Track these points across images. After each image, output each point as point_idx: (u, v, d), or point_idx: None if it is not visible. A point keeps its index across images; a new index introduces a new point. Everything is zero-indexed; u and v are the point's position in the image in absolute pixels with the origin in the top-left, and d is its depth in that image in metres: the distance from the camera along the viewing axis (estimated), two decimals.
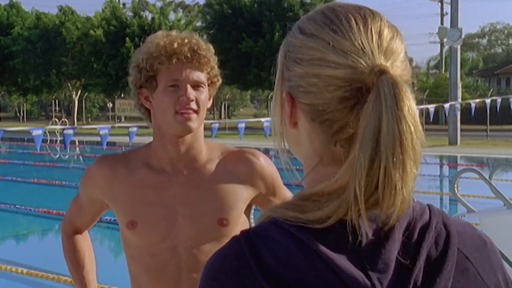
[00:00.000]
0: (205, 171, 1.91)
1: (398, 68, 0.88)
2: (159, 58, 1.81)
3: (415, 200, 0.92)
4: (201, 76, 1.86)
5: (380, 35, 0.89)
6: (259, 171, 1.94)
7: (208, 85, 1.90)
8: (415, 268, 0.84)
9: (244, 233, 0.86)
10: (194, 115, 1.84)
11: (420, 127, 0.86)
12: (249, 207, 1.98)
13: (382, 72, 0.85)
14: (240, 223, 1.93)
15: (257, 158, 1.96)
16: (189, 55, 1.82)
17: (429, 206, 0.93)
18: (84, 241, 2.17)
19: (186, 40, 1.84)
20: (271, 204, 1.94)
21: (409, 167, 0.83)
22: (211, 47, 1.91)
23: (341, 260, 0.82)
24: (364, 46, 0.87)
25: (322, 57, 0.88)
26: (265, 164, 1.97)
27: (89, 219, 2.13)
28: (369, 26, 0.89)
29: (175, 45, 1.82)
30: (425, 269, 0.85)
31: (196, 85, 1.85)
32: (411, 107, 0.84)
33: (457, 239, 0.89)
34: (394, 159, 0.82)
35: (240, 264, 0.83)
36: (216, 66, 1.90)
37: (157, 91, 1.85)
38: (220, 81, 1.95)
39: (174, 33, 1.88)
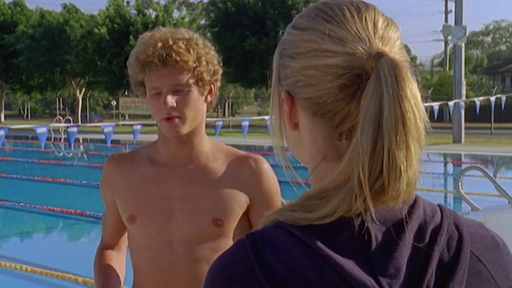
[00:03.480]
0: (206, 169, 1.91)
1: (396, 54, 0.87)
2: (134, 68, 1.83)
3: (426, 200, 0.90)
4: (181, 78, 1.81)
5: (375, 23, 0.88)
6: (258, 179, 1.92)
7: (199, 85, 1.85)
8: (427, 272, 0.81)
9: (249, 236, 0.84)
10: (176, 121, 1.83)
11: (423, 107, 0.84)
12: (247, 216, 1.95)
13: (380, 55, 0.84)
14: (240, 227, 1.90)
15: (260, 166, 1.93)
16: (159, 63, 1.78)
17: (440, 206, 0.90)
18: (113, 257, 2.08)
19: (159, 45, 1.79)
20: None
21: (413, 148, 0.81)
22: (199, 41, 1.85)
23: (350, 265, 0.79)
24: (360, 33, 0.86)
25: (318, 47, 0.86)
26: (267, 173, 1.94)
27: (112, 228, 2.07)
28: (363, 15, 0.88)
29: (149, 52, 1.79)
30: (437, 273, 0.82)
31: (177, 89, 1.82)
32: (412, 87, 0.83)
33: (470, 240, 0.87)
34: (398, 139, 0.80)
35: (245, 269, 0.81)
36: (205, 64, 1.84)
37: (147, 96, 1.88)
38: (220, 73, 1.91)
39: (157, 35, 1.83)
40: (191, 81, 1.83)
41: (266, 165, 1.95)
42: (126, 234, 2.08)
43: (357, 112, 0.84)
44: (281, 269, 0.79)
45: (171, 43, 1.80)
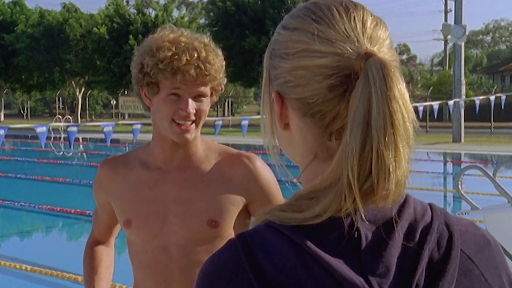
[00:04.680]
0: (199, 171, 1.91)
1: (385, 54, 0.87)
2: (164, 72, 1.78)
3: (416, 199, 0.90)
4: (204, 89, 1.84)
5: (363, 23, 0.88)
6: (253, 176, 1.91)
7: (212, 95, 1.89)
8: (417, 271, 0.82)
9: (240, 236, 0.84)
10: (192, 126, 1.84)
11: (411, 108, 0.84)
12: (247, 214, 1.94)
13: (369, 55, 0.84)
14: (237, 227, 1.90)
15: (253, 163, 1.92)
16: (195, 74, 1.79)
17: (431, 205, 0.90)
18: (104, 251, 2.14)
19: (195, 55, 1.78)
20: None
21: (401, 148, 0.81)
22: (220, 54, 1.87)
23: (340, 264, 0.79)
24: (348, 33, 0.86)
25: (307, 48, 0.87)
26: (261, 169, 1.93)
27: (104, 226, 2.12)
28: (352, 15, 0.88)
29: (183, 61, 1.77)
30: (427, 272, 0.82)
31: (198, 96, 1.84)
32: (401, 87, 0.83)
33: (460, 239, 0.87)
34: (386, 139, 0.80)
35: (236, 269, 0.81)
36: (222, 76, 1.87)
37: (157, 97, 1.84)
38: (223, 87, 1.93)
39: (183, 39, 1.81)
40: (209, 91, 1.86)
41: (259, 162, 1.94)
42: (116, 229, 2.13)
43: (346, 112, 0.84)
44: (272, 269, 0.80)
45: (204, 54, 1.80)
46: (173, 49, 1.79)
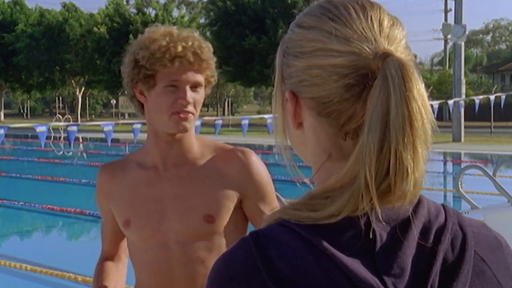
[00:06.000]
0: (194, 167, 1.91)
1: (402, 54, 0.86)
2: (161, 60, 1.79)
3: (430, 200, 0.90)
4: (199, 78, 1.85)
5: (380, 22, 0.87)
6: (248, 171, 1.91)
7: (205, 86, 1.90)
8: (431, 272, 0.81)
9: (253, 235, 0.83)
10: (190, 116, 1.85)
11: (430, 108, 0.83)
12: (241, 210, 1.93)
13: (387, 55, 0.83)
14: (233, 222, 1.90)
15: (248, 158, 1.92)
16: (192, 59, 1.81)
17: (444, 206, 0.90)
18: (113, 266, 2.09)
19: (190, 43, 1.81)
20: (258, 211, 1.90)
21: (420, 148, 0.80)
22: (210, 46, 1.90)
23: (355, 265, 0.79)
24: (365, 33, 0.85)
25: (323, 47, 0.86)
26: (255, 164, 1.93)
27: (110, 237, 2.09)
28: (369, 14, 0.87)
29: (179, 48, 1.79)
30: (442, 273, 0.82)
31: (194, 86, 1.85)
32: (419, 87, 0.82)
33: (473, 240, 0.87)
34: (405, 140, 0.79)
35: (249, 268, 0.80)
36: (214, 67, 1.90)
37: (154, 90, 1.84)
38: (216, 79, 1.94)
39: (175, 31, 1.85)
40: (203, 82, 1.87)
41: (254, 157, 1.94)
42: (126, 243, 2.08)
43: (363, 112, 0.83)
44: (286, 268, 0.79)
45: (198, 42, 1.83)
46: (167, 39, 1.82)
